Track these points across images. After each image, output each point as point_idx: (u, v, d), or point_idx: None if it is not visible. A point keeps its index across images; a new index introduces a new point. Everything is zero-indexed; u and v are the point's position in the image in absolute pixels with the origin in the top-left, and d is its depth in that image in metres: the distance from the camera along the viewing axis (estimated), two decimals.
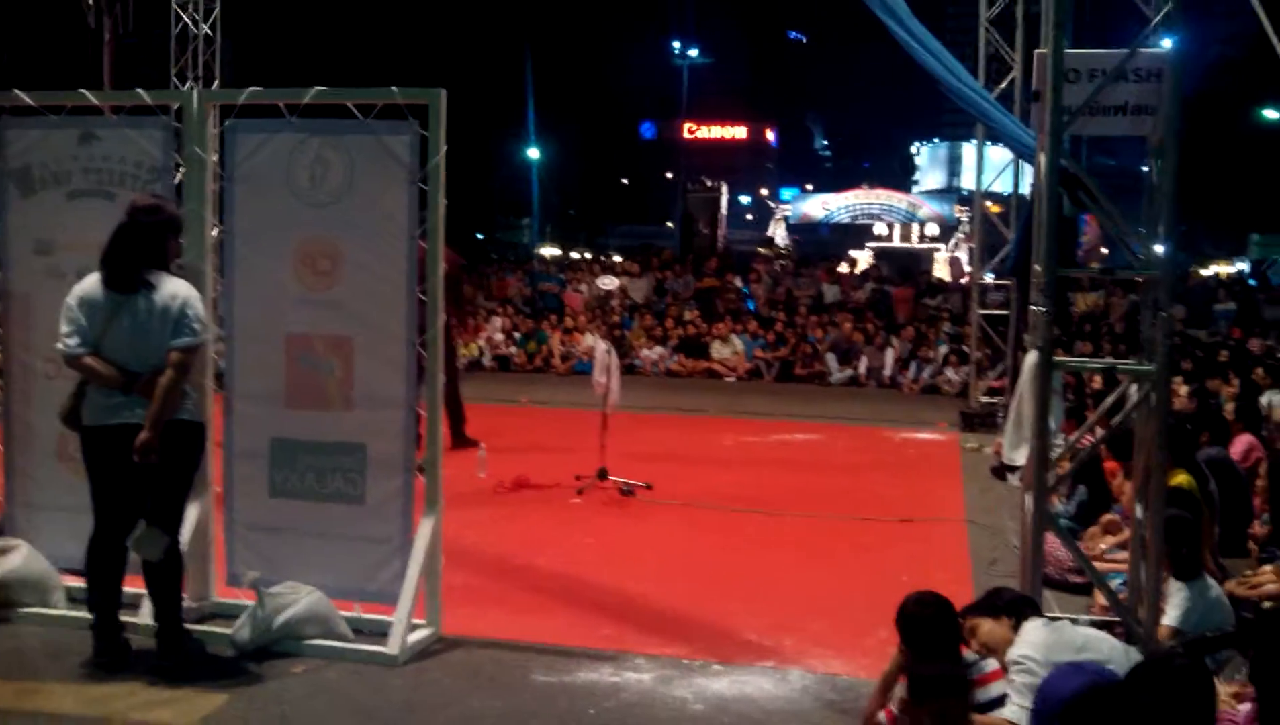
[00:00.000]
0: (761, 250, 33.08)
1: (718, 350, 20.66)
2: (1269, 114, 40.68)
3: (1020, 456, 6.11)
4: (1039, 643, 4.62)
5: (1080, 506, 8.27)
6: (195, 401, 5.73)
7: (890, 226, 57.93)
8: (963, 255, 43.86)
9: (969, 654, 4.86)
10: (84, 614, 5.74)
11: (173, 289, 5.57)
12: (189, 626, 5.85)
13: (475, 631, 6.19)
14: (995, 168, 16.26)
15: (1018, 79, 14.47)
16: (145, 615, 5.80)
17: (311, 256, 6.16)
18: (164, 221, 5.69)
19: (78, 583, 6.02)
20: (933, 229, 56.51)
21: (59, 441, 6.37)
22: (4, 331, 6.64)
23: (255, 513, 6.30)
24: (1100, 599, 6.24)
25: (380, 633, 5.88)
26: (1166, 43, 5.62)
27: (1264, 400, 11.37)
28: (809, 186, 77.12)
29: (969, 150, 56.28)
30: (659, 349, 20.97)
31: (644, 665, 5.82)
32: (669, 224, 65.80)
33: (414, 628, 5.92)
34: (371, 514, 6.10)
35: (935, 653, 4.60)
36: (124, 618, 5.73)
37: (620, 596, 7.08)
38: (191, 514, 6.04)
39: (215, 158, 6.38)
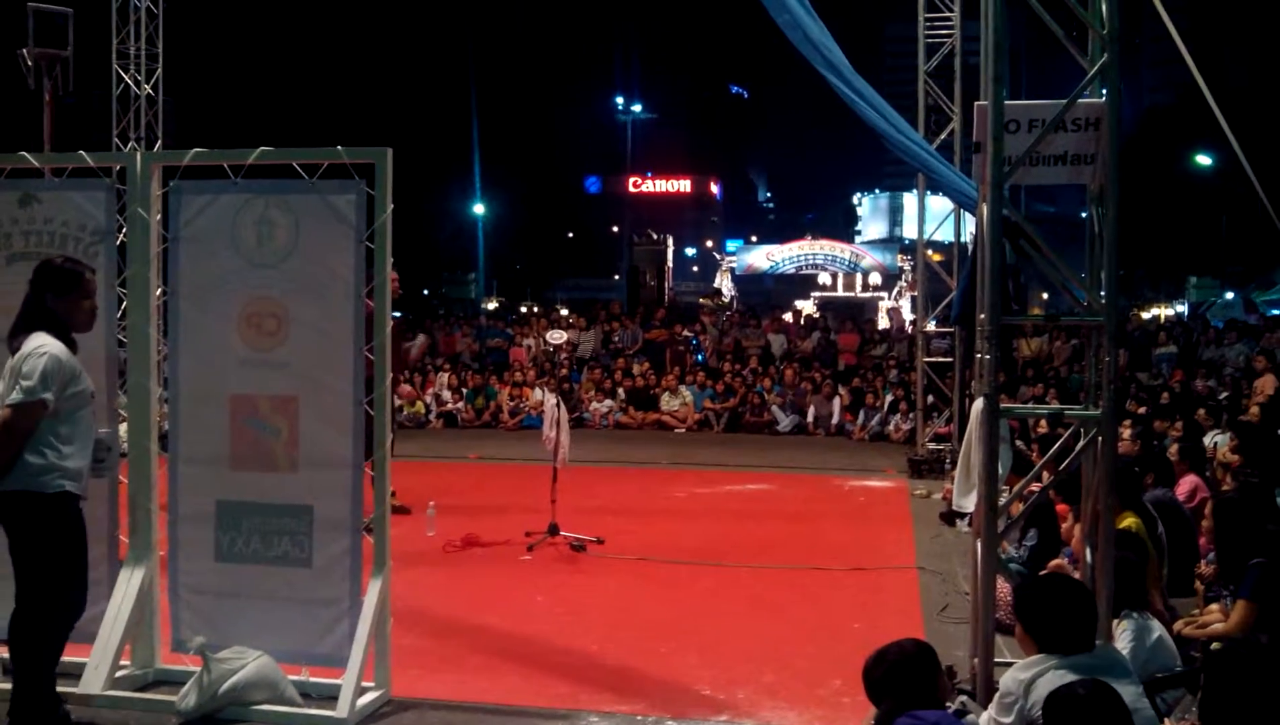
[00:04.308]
0: (703, 301, 32.99)
1: (667, 402, 20.70)
2: (1201, 159, 41.58)
3: (969, 503, 6.15)
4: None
5: (1031, 551, 8.30)
6: (38, 468, 5.26)
7: (834, 276, 58.47)
8: (905, 303, 44.27)
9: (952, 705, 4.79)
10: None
11: (29, 347, 5.31)
12: (130, 694, 5.73)
13: (426, 693, 6.11)
14: (937, 217, 16.43)
15: (957, 130, 14.72)
16: (91, 685, 5.65)
17: (257, 316, 6.11)
18: (41, 279, 5.46)
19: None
20: (876, 278, 57.10)
21: None
22: None
23: (201, 577, 6.19)
24: None
25: (329, 696, 5.79)
26: (1103, 92, 5.73)
27: (1208, 440, 11.52)
28: (753, 238, 77.85)
29: (910, 200, 57.12)
30: (608, 401, 20.98)
31: (597, 723, 5.77)
32: (615, 277, 65.98)
33: (363, 690, 5.83)
34: (319, 576, 6.02)
35: (911, 697, 4.42)
36: (61, 688, 5.57)
37: (573, 654, 7.02)
38: (135, 579, 5.92)
39: (159, 219, 6.31)
